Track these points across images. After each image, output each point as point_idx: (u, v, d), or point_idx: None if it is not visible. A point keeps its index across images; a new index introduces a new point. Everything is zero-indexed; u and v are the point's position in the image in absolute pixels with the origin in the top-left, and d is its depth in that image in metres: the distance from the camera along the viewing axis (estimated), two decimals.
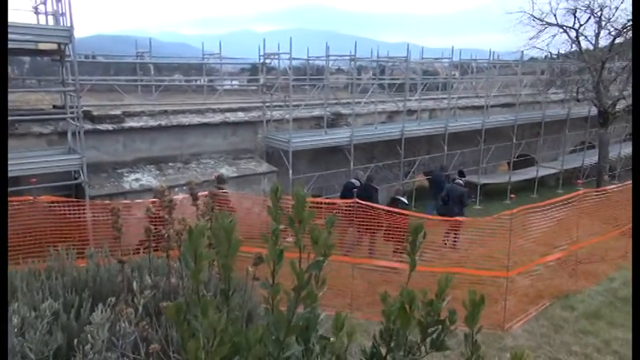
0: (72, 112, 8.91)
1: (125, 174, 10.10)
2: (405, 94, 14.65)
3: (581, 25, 17.08)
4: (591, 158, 18.91)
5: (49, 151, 9.34)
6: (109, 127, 10.27)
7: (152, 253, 2.42)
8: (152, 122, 10.91)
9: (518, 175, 18.06)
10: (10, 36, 6.49)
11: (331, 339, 1.28)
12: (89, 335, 1.59)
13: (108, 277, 2.64)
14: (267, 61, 13.50)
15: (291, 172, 11.49)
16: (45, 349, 1.78)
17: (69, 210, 6.46)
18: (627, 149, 20.90)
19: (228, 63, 23.98)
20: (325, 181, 12.98)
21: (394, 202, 9.72)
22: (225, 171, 11.07)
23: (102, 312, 1.64)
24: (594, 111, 17.52)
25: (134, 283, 1.90)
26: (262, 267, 1.31)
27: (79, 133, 8.63)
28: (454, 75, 17.67)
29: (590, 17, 16.88)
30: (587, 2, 16.54)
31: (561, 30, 17.28)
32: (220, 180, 9.33)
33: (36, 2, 9.03)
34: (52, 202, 6.53)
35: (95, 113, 10.43)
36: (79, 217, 6.52)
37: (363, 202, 7.50)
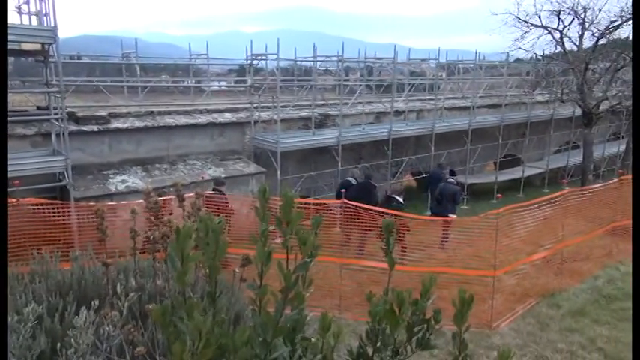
0: (56, 114, 8.79)
1: (111, 176, 10.00)
2: (392, 95, 14.72)
3: (565, 27, 17.30)
4: (576, 158, 19.16)
5: (33, 152, 9.21)
6: (95, 128, 10.16)
7: (138, 255, 2.40)
8: (138, 123, 10.81)
9: (505, 175, 18.24)
10: None
11: (312, 339, 1.28)
12: (72, 339, 1.57)
13: (93, 280, 2.61)
14: (255, 62, 13.47)
15: (279, 173, 11.47)
16: (28, 353, 1.75)
17: (53, 212, 6.38)
18: (611, 149, 21.24)
19: (216, 64, 23.87)
20: (313, 182, 12.98)
21: (389, 200, 9.72)
22: (213, 172, 11.02)
23: (85, 315, 1.62)
24: (578, 111, 17.76)
25: (118, 286, 1.88)
26: (251, 268, 1.30)
27: (63, 134, 8.52)
28: (441, 76, 17.77)
29: (573, 19, 17.10)
30: (571, 4, 16.77)
31: (546, 31, 17.48)
32: (218, 182, 9.30)
33: (19, 2, 8.90)
34: (36, 205, 6.45)
35: (80, 114, 10.31)
36: (64, 220, 6.44)
37: (350, 203, 7.52)
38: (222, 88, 21.94)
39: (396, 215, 7.01)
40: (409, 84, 17.47)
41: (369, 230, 7.62)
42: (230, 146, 12.23)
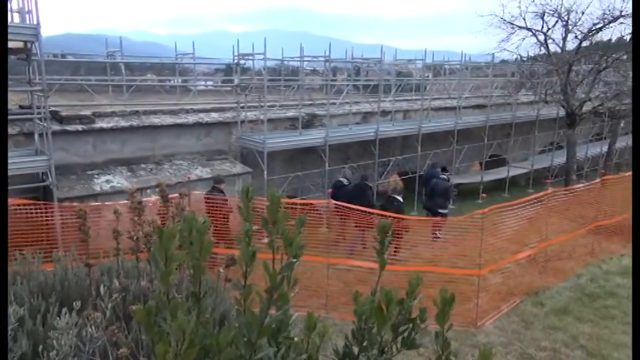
0: (39, 113, 8.66)
1: (95, 176, 9.89)
2: (379, 95, 14.78)
3: (549, 29, 17.53)
4: (560, 158, 19.43)
5: (15, 152, 9.06)
6: (79, 127, 10.03)
7: (122, 256, 2.37)
8: (123, 123, 10.70)
9: (490, 175, 18.43)
10: None
11: (295, 339, 1.27)
12: (54, 341, 1.55)
13: (76, 282, 2.57)
14: (242, 61, 13.42)
15: (266, 173, 11.44)
16: (9, 355, 1.72)
17: (36, 213, 6.29)
18: (593, 149, 21.57)
19: (202, 63, 23.77)
20: (300, 182, 12.98)
21: (390, 200, 9.79)
22: (200, 172, 10.95)
23: (67, 317, 1.60)
24: (562, 112, 18.00)
25: (101, 287, 1.85)
26: (239, 269, 1.29)
27: (46, 134, 8.40)
28: (427, 76, 17.90)
29: (557, 21, 17.33)
30: (555, 7, 17.00)
31: (530, 33, 17.68)
32: (218, 180, 9.24)
33: None
34: (19, 205, 6.34)
35: (64, 114, 10.17)
36: (47, 220, 6.35)
37: (338, 203, 7.54)
38: (209, 87, 21.81)
39: (394, 217, 7.09)
40: (396, 84, 17.55)
41: (364, 230, 7.65)
42: (217, 146, 12.17)
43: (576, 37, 17.27)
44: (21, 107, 10.45)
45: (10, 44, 8.52)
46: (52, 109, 9.63)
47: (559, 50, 17.73)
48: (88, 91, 12.77)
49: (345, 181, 11.18)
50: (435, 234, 8.42)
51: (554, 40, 17.71)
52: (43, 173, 8.78)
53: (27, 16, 8.08)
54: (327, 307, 6.66)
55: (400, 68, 21.71)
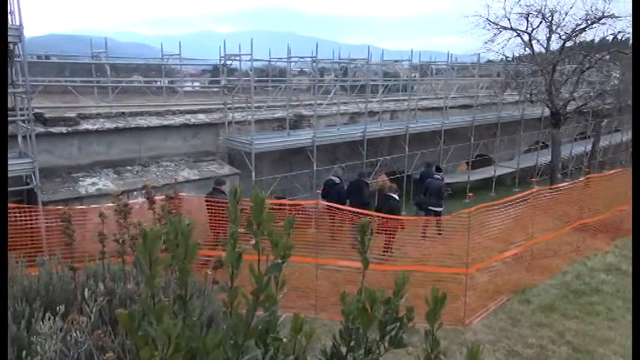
0: (22, 115, 8.53)
1: (81, 178, 9.77)
2: (366, 96, 14.82)
3: (533, 29, 17.73)
4: (545, 157, 19.66)
5: None
6: (63, 129, 9.90)
7: (108, 259, 2.35)
8: (109, 125, 10.59)
9: (477, 174, 18.57)
10: None
11: (284, 340, 1.27)
12: (39, 346, 1.53)
13: (61, 286, 2.54)
14: (229, 62, 13.36)
15: (253, 174, 11.40)
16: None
17: (20, 216, 6.19)
18: (578, 148, 21.86)
19: (189, 64, 23.56)
20: (289, 183, 12.95)
21: (387, 198, 9.90)
22: (187, 174, 10.88)
23: (51, 322, 1.58)
24: (547, 112, 18.22)
25: (86, 291, 1.83)
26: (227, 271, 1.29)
27: (30, 136, 8.28)
28: (414, 77, 17.99)
29: (541, 22, 17.54)
30: (539, 7, 17.20)
31: (515, 34, 17.87)
32: (219, 182, 9.17)
33: None
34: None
35: (48, 115, 10.03)
36: (32, 224, 6.26)
37: (329, 203, 7.57)
38: (196, 88, 21.68)
39: (385, 217, 7.16)
40: (383, 85, 17.60)
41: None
42: (204, 147, 12.10)
43: (560, 37, 17.50)
44: None
45: None
46: (36, 110, 9.49)
47: (543, 50, 17.95)
48: (72, 93, 12.62)
49: (337, 180, 11.28)
50: (425, 233, 8.50)
51: (538, 41, 17.94)
52: (27, 176, 8.65)
53: (10, 16, 7.96)
54: (317, 308, 6.66)
55: (387, 69, 21.79)
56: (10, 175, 8.26)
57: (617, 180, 11.21)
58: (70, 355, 1.64)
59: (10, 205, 6.42)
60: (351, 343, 1.41)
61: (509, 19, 17.62)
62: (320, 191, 11.38)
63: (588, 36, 17.82)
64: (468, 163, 18.80)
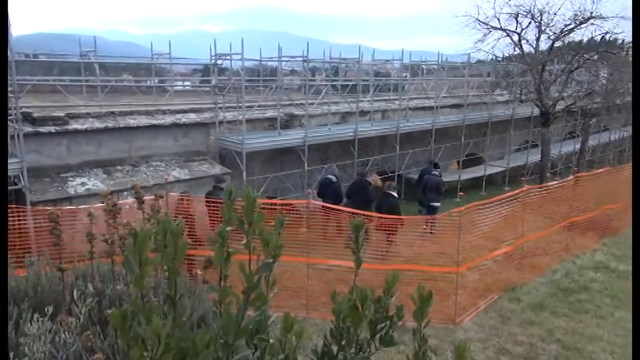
0: (10, 114, 8.44)
1: (70, 178, 9.68)
2: (357, 95, 14.84)
3: (522, 30, 17.85)
4: (534, 156, 19.81)
5: None
6: (52, 129, 9.80)
7: (98, 260, 2.33)
8: (98, 124, 10.50)
9: (467, 173, 18.67)
10: None
11: (271, 340, 1.27)
12: (27, 348, 1.51)
13: (50, 287, 2.51)
14: (219, 61, 13.30)
15: (244, 173, 11.37)
16: None
17: (8, 217, 6.11)
18: (567, 147, 22.07)
19: (179, 63, 23.47)
20: (280, 183, 12.94)
21: (386, 196, 9.97)
22: (177, 174, 10.83)
23: (40, 323, 1.56)
24: (537, 111, 18.37)
25: (75, 292, 1.82)
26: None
27: (18, 136, 8.19)
28: (405, 77, 18.05)
29: (530, 22, 17.67)
30: (528, 8, 17.33)
31: (505, 34, 17.99)
32: (219, 180, 9.12)
33: None
34: None
35: (36, 115, 9.92)
36: (20, 225, 6.19)
37: (325, 201, 7.60)
38: (187, 88, 21.57)
39: (387, 217, 7.23)
40: (374, 84, 17.64)
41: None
42: (195, 147, 12.05)
43: (549, 37, 17.64)
44: None
45: None
46: (24, 110, 9.39)
47: (533, 50, 18.08)
48: (61, 92, 12.48)
49: (334, 179, 11.34)
50: (425, 227, 8.60)
51: (527, 41, 18.07)
52: (15, 176, 8.55)
53: None
54: (308, 307, 6.66)
55: (378, 68, 21.85)
56: None
57: (605, 178, 11.34)
58: (59, 357, 1.63)
59: None
60: (342, 342, 1.41)
61: (498, 19, 17.75)
62: (311, 190, 11.39)
63: (577, 36, 18.00)
64: (458, 163, 18.90)
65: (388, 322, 1.40)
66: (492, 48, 18.20)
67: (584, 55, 17.13)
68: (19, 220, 6.23)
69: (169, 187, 9.18)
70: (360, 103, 14.73)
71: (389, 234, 7.70)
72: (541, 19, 17.32)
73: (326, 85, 16.02)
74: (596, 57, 17.34)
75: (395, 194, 10.07)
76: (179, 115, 12.02)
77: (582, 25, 17.13)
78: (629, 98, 18.18)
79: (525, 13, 17.36)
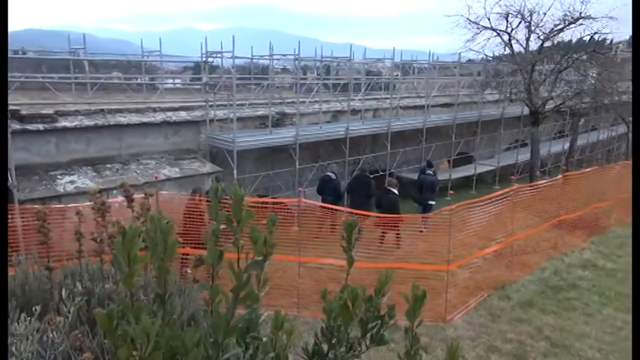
0: None
1: (59, 176, 9.58)
2: (349, 94, 14.85)
3: (512, 29, 17.96)
4: (524, 155, 19.97)
5: None
6: (40, 127, 9.70)
7: (87, 258, 2.30)
8: (88, 122, 10.41)
9: (458, 172, 18.78)
10: None
11: (264, 339, 1.27)
12: (14, 348, 1.49)
13: (38, 286, 2.48)
14: (210, 59, 13.24)
15: (235, 172, 11.34)
16: None
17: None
18: (556, 147, 22.27)
19: (170, 61, 23.32)
20: (271, 181, 12.91)
21: (386, 193, 10.05)
22: (168, 172, 10.76)
23: (27, 322, 1.54)
24: (526, 111, 18.50)
25: (63, 291, 1.80)
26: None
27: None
28: (396, 75, 18.10)
29: (520, 22, 17.78)
30: (518, 8, 17.44)
31: (495, 33, 18.09)
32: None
33: None
34: None
35: (24, 112, 9.81)
36: (8, 223, 6.11)
37: (309, 202, 7.59)
38: (177, 86, 21.44)
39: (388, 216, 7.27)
40: (365, 83, 17.67)
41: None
42: (185, 145, 11.99)
43: (539, 37, 17.77)
44: None
45: None
46: (12, 107, 9.28)
47: (522, 50, 18.21)
48: (50, 89, 12.36)
49: (333, 176, 11.41)
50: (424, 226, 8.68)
51: (517, 41, 18.19)
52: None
53: None
54: (299, 306, 6.66)
55: (370, 67, 21.88)
56: None
57: (593, 177, 11.45)
58: (47, 356, 1.61)
59: None
60: (333, 341, 1.41)
61: (489, 19, 17.84)
62: (302, 189, 11.39)
63: (566, 36, 18.16)
64: (449, 161, 18.98)
65: (379, 321, 1.40)
66: (483, 48, 18.32)
67: (574, 55, 17.29)
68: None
69: (160, 185, 9.13)
70: (351, 102, 14.75)
71: (396, 233, 7.97)
72: (531, 19, 17.45)
73: (317, 84, 16.02)
74: (585, 57, 17.51)
75: (395, 191, 10.19)
76: (170, 113, 11.94)
77: (571, 26, 17.30)
78: (617, 98, 18.40)
79: (515, 13, 17.48)
